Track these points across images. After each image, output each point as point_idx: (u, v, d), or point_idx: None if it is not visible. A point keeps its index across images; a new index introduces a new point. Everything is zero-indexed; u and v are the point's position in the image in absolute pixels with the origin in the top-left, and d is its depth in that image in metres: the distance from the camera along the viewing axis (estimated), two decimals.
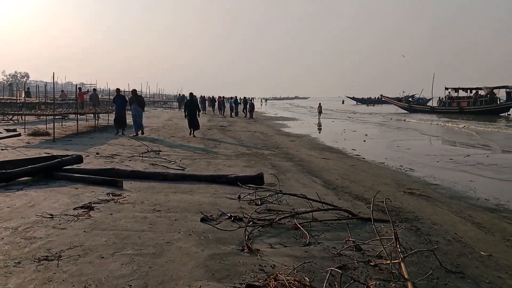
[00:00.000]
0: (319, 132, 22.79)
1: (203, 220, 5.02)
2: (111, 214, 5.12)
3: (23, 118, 17.99)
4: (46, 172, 6.97)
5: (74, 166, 7.69)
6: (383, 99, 64.80)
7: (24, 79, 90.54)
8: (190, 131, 15.65)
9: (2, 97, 26.08)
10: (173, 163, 9.29)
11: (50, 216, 4.87)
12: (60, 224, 4.60)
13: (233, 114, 33.08)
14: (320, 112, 30.98)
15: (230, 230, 4.60)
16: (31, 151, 9.95)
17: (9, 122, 18.35)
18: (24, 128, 14.77)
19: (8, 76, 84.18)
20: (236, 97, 34.67)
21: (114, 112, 16.22)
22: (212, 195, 6.35)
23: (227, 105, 37.47)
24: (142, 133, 15.04)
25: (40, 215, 4.88)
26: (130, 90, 15.97)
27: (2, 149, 10.09)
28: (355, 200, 6.85)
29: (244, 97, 35.64)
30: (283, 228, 4.88)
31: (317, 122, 29.87)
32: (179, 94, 49.92)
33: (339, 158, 12.44)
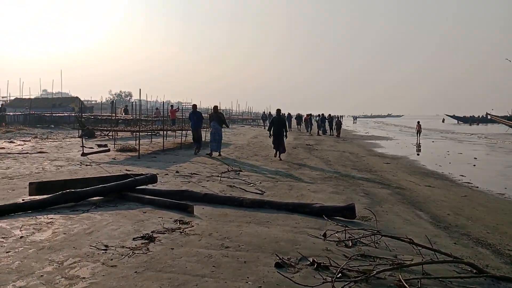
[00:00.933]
0: (418, 154, 20.50)
1: (278, 265, 4.01)
2: (172, 248, 4.35)
3: (117, 134, 18.78)
4: (117, 192, 6.55)
5: (149, 186, 7.24)
6: (489, 117, 58.34)
7: (128, 98, 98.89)
8: (276, 153, 13.82)
9: (100, 114, 27.91)
10: (252, 186, 8.45)
11: (104, 248, 4.24)
12: (111, 260, 3.93)
13: (320, 132, 31.81)
14: (419, 131, 28.29)
15: (312, 286, 3.51)
16: (113, 168, 9.88)
17: (104, 137, 19.28)
18: (114, 144, 15.21)
19: (113, 95, 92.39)
20: (323, 114, 33.32)
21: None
22: (292, 229, 5.32)
23: (314, 123, 36.29)
24: (219, 154, 13.73)
25: (94, 246, 4.27)
26: (212, 107, 15.11)
27: (86, 165, 10.18)
28: (477, 246, 5.30)
29: (329, 115, 34.17)
30: (383, 286, 3.66)
31: (416, 142, 27.23)
32: (264, 112, 49.72)
33: (447, 186, 10.58)
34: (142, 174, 7.15)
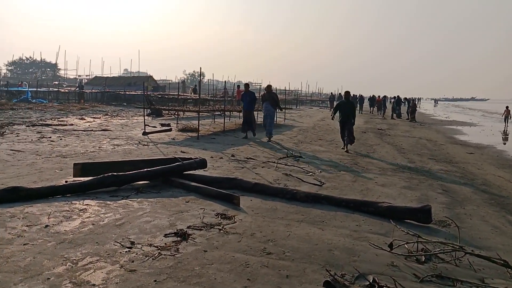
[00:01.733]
0: (506, 143, 18.11)
1: (327, 284, 3.23)
2: (205, 251, 3.75)
3: (184, 113, 18.78)
4: (162, 176, 6.11)
5: (200, 171, 6.74)
6: None
7: (200, 78, 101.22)
8: (344, 145, 11.36)
9: (167, 93, 28.40)
10: (310, 175, 7.62)
11: (129, 246, 3.75)
12: (132, 262, 3.41)
13: (394, 115, 29.66)
14: (507, 117, 25.20)
15: None
16: (169, 149, 9.58)
17: (170, 116, 19.39)
18: (176, 124, 15.11)
19: (188, 75, 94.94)
20: (398, 96, 30.92)
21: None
22: (351, 233, 4.47)
23: (389, 106, 33.95)
24: (269, 139, 12.33)
25: (119, 243, 3.80)
26: (266, 86, 13.81)
27: (144, 145, 10.00)
28: None
29: (405, 98, 31.67)
30: None
31: (504, 129, 24.28)
32: (331, 93, 46.89)
33: None
34: (191, 158, 6.64)
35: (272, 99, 12.64)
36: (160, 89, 39.58)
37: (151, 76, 43.54)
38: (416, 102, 32.48)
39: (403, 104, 29.65)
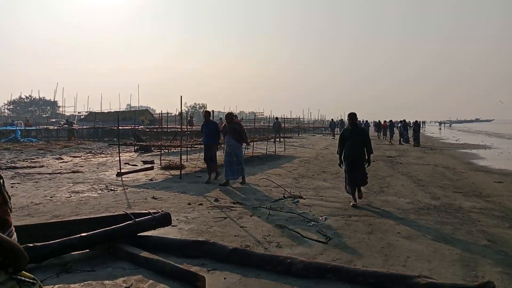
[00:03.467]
0: None
1: None
2: None
3: (175, 148, 17.16)
4: (105, 243, 4.41)
5: (165, 230, 5.05)
6: None
7: (202, 110, 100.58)
8: (353, 199, 7.50)
9: (155, 127, 27.00)
10: (313, 225, 5.88)
11: None
12: None
13: (402, 141, 27.95)
14: None
15: None
16: (139, 194, 7.90)
17: (159, 152, 17.77)
18: (160, 160, 13.48)
19: (189, 107, 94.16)
20: (405, 120, 29.32)
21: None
22: None
23: (396, 131, 32.29)
24: (243, 181, 9.72)
25: None
26: (225, 115, 10.66)
27: (110, 190, 8.33)
28: None
29: (416, 121, 30.15)
30: None
31: None
32: (332, 120, 44.76)
33: None
34: (149, 213, 4.94)
35: (234, 130, 9.68)
36: (157, 123, 38.28)
37: (147, 110, 42.44)
38: (421, 125, 30.76)
39: (410, 128, 27.94)
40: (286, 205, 7.20)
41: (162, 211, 5.09)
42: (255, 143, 17.54)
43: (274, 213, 6.50)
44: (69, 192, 7.94)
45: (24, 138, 27.81)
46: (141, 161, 13.73)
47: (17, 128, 30.59)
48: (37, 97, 79.21)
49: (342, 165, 7.52)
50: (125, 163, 12.48)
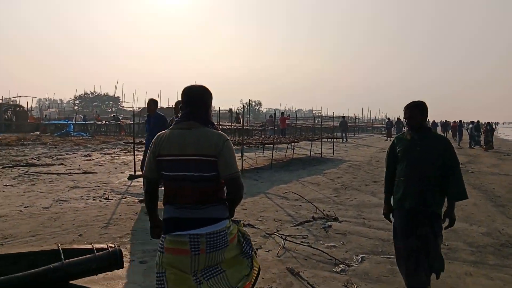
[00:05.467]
0: None
1: None
2: None
3: None
4: None
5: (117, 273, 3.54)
6: None
7: (257, 107, 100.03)
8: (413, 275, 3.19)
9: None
10: (340, 271, 4.08)
11: None
12: None
13: (473, 144, 24.63)
14: None
15: None
16: (135, 207, 6.48)
17: None
18: None
19: (244, 104, 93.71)
20: (478, 121, 25.84)
21: None
22: None
23: (465, 132, 28.75)
24: None
25: None
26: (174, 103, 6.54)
27: (105, 199, 6.98)
28: None
29: (488, 122, 26.57)
30: None
31: None
32: (388, 119, 39.62)
33: None
34: (92, 250, 3.44)
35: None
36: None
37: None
38: (493, 126, 27.01)
39: (483, 131, 24.46)
40: (312, 232, 5.43)
41: (116, 246, 3.57)
42: (298, 143, 15.73)
43: (291, 246, 4.77)
44: (53, 201, 6.72)
45: (75, 132, 28.16)
46: None
47: (71, 122, 31.25)
48: (101, 93, 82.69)
49: (391, 217, 3.48)
50: (135, 164, 11.33)
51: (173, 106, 6.61)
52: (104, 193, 7.47)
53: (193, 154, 2.07)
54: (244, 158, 14.57)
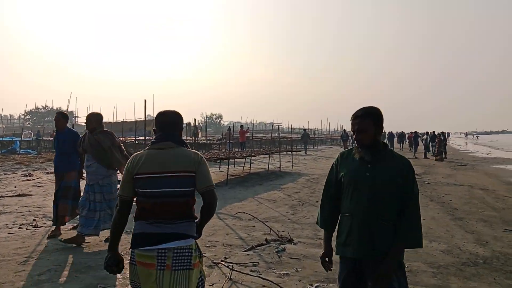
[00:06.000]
0: None
1: None
2: None
3: None
4: None
5: None
6: None
7: (218, 120, 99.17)
8: None
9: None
10: None
11: None
12: None
13: (428, 154, 25.21)
14: None
15: None
16: (66, 234, 5.72)
17: None
18: None
19: (205, 118, 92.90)
20: (434, 132, 26.47)
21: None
22: None
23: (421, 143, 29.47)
24: (95, 234, 5.41)
25: None
26: (86, 116, 5.62)
27: (35, 226, 6.17)
28: None
29: (442, 132, 27.44)
30: None
31: None
32: (344, 130, 39.09)
33: None
34: None
35: (97, 146, 5.25)
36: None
37: (153, 120, 40.69)
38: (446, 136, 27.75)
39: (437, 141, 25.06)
40: (264, 258, 4.93)
41: None
42: (256, 157, 15.30)
43: (239, 276, 4.24)
44: None
45: (21, 150, 26.38)
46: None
47: (17, 139, 29.32)
48: (53, 107, 79.24)
49: (330, 267, 2.58)
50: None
51: (104, 121, 5.78)
52: (34, 219, 6.63)
53: (174, 171, 2.23)
54: None
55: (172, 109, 2.48)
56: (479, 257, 5.19)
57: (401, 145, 37.83)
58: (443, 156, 23.52)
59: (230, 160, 16.05)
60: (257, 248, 5.30)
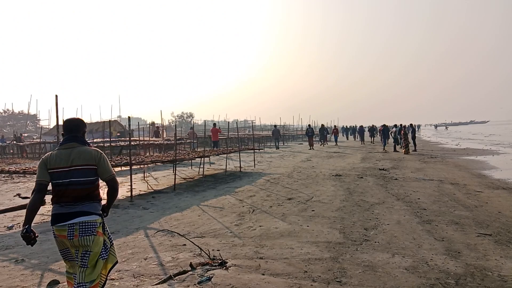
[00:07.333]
0: None
1: None
2: None
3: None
4: None
5: None
6: None
7: (190, 119, 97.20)
8: None
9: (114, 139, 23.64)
10: None
11: None
12: None
13: (397, 147, 24.65)
14: None
15: None
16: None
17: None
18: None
19: (176, 117, 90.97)
20: (401, 125, 25.93)
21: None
22: None
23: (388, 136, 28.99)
24: None
25: None
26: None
27: None
28: None
29: (411, 124, 27.06)
30: None
31: None
32: (309, 125, 35.97)
33: None
34: None
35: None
36: (127, 134, 34.82)
37: (116, 121, 38.83)
38: (416, 129, 27.22)
39: (407, 134, 24.49)
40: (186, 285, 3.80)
41: None
42: (213, 157, 14.10)
43: None
44: None
45: None
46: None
47: None
48: (13, 111, 75.49)
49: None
50: (18, 194, 9.10)
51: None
52: None
53: (78, 165, 2.93)
54: (147, 178, 12.66)
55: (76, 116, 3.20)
56: (450, 275, 4.22)
57: (372, 138, 37.60)
58: (410, 148, 23.00)
59: (191, 161, 14.82)
60: (176, 278, 4.15)
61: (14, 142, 27.76)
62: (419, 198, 8.73)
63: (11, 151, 28.08)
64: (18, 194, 9.37)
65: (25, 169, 8.77)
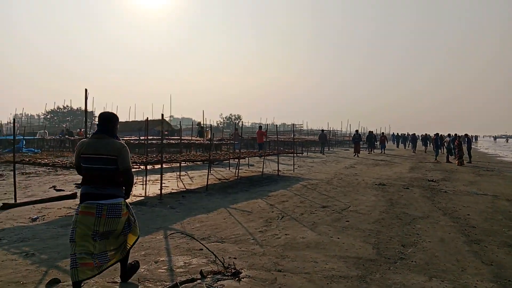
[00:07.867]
0: None
1: None
2: None
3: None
4: None
5: None
6: None
7: (237, 121, 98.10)
8: None
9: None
10: None
11: None
12: None
13: (450, 158, 23.10)
14: None
15: None
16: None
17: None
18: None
19: (224, 119, 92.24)
20: (456, 134, 24.28)
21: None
22: None
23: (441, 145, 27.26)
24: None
25: None
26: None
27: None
28: None
29: (466, 134, 25.34)
30: None
31: None
32: (356, 131, 33.58)
33: None
34: None
35: None
36: (176, 133, 35.58)
37: (165, 120, 39.78)
38: (472, 140, 25.42)
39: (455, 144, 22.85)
40: None
41: None
42: (252, 159, 13.80)
43: None
44: None
45: (25, 148, 25.78)
46: (75, 184, 10.41)
47: (23, 137, 28.83)
48: (71, 107, 79.80)
49: None
50: (53, 186, 9.31)
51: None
52: None
53: (103, 153, 3.45)
54: (183, 177, 12.58)
55: (109, 111, 3.77)
56: None
57: (425, 147, 35.85)
58: (464, 160, 21.41)
59: (229, 162, 14.66)
60: (182, 286, 3.84)
61: (67, 136, 29.11)
62: (468, 214, 7.88)
63: (67, 144, 29.49)
64: (54, 187, 9.58)
65: (54, 162, 8.91)
